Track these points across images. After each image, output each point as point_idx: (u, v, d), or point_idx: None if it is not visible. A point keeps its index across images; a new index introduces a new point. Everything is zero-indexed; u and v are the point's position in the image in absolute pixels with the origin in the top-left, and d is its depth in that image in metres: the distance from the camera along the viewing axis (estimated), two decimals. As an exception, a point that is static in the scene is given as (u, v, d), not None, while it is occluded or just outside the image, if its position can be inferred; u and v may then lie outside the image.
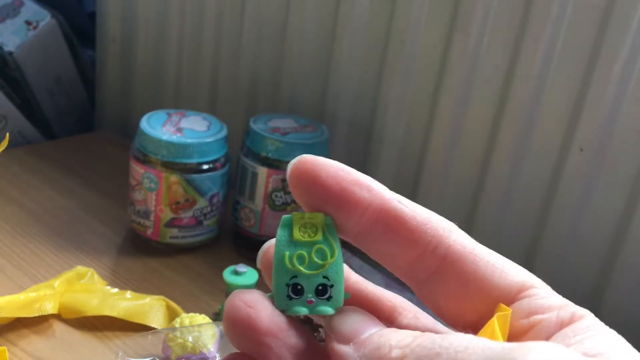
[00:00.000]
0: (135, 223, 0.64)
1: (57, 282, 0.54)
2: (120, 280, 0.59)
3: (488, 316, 0.19)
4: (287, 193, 0.62)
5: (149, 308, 0.54)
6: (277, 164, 0.61)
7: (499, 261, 0.20)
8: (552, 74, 0.55)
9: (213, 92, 0.81)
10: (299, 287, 0.20)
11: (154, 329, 0.52)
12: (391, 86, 0.65)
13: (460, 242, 0.20)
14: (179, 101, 0.85)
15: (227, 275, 0.54)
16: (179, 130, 0.62)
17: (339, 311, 0.20)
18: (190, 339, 0.47)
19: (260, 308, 0.19)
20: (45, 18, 0.84)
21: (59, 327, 0.52)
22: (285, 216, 0.20)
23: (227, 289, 0.54)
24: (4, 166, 0.75)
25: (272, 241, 0.21)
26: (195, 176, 0.61)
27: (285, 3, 0.70)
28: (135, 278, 0.60)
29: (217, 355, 0.47)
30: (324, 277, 0.20)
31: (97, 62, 0.92)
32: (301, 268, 0.20)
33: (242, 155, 0.64)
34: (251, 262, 0.57)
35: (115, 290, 0.55)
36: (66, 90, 0.91)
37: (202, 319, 0.50)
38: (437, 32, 0.60)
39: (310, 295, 0.20)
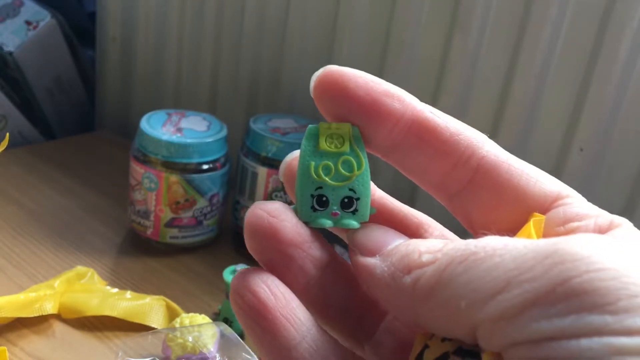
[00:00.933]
0: (135, 223, 0.64)
1: (57, 282, 0.54)
2: (120, 280, 0.59)
3: (521, 226, 0.19)
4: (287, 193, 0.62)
5: (149, 308, 0.54)
6: (277, 164, 0.61)
7: (533, 171, 0.19)
8: (552, 74, 0.55)
9: (213, 92, 0.81)
10: (324, 198, 0.19)
11: (154, 329, 0.52)
12: (391, 86, 0.65)
13: (494, 152, 0.19)
14: (178, 101, 0.85)
15: (227, 275, 0.54)
16: (179, 130, 0.62)
17: (362, 226, 0.19)
18: (190, 339, 0.47)
19: (283, 218, 0.18)
20: (45, 18, 0.84)
21: (58, 327, 0.52)
22: (311, 126, 0.19)
23: (227, 289, 0.54)
24: (4, 166, 0.75)
25: (296, 152, 0.20)
26: (195, 176, 0.61)
27: (285, 3, 0.70)
28: (135, 278, 0.60)
29: (217, 355, 0.47)
30: (350, 189, 0.19)
31: (97, 62, 0.92)
32: (327, 179, 0.19)
33: (242, 155, 0.64)
34: (251, 262, 0.57)
35: (115, 290, 0.55)
36: (66, 90, 0.91)
37: (202, 319, 0.50)
38: (437, 32, 0.60)
39: (335, 208, 0.19)
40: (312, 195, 0.19)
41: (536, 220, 0.18)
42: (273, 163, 0.61)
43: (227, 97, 0.79)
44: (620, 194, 0.54)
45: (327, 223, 0.19)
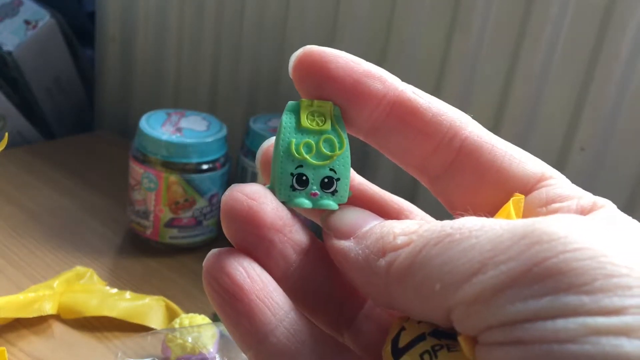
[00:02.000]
0: (135, 223, 0.64)
1: (57, 283, 0.54)
2: (119, 280, 0.59)
3: None
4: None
5: (149, 308, 0.54)
6: (276, 164, 0.61)
7: (517, 152, 0.19)
8: (553, 74, 0.54)
9: (213, 92, 0.81)
10: (304, 177, 0.18)
11: (153, 329, 0.52)
12: (391, 86, 0.64)
13: (477, 132, 0.19)
14: (178, 101, 0.85)
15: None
16: (179, 130, 0.62)
17: (339, 208, 0.19)
18: (189, 339, 0.46)
19: (263, 201, 0.18)
20: (44, 17, 0.83)
21: (58, 327, 0.52)
22: (291, 102, 0.19)
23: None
24: (3, 166, 0.75)
25: (273, 139, 0.19)
26: (194, 176, 0.61)
27: (285, 3, 0.70)
28: (135, 278, 0.60)
29: (217, 355, 0.47)
30: (331, 169, 0.19)
31: (97, 62, 0.92)
32: (308, 157, 0.18)
33: (242, 155, 0.64)
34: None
35: (115, 290, 0.55)
36: (65, 90, 0.91)
37: (202, 319, 0.50)
38: (437, 32, 0.60)
39: (315, 188, 0.19)
40: (292, 174, 0.18)
41: (516, 200, 0.18)
42: (273, 163, 0.61)
43: (227, 97, 0.79)
44: (621, 193, 0.54)
45: (306, 203, 0.19)
